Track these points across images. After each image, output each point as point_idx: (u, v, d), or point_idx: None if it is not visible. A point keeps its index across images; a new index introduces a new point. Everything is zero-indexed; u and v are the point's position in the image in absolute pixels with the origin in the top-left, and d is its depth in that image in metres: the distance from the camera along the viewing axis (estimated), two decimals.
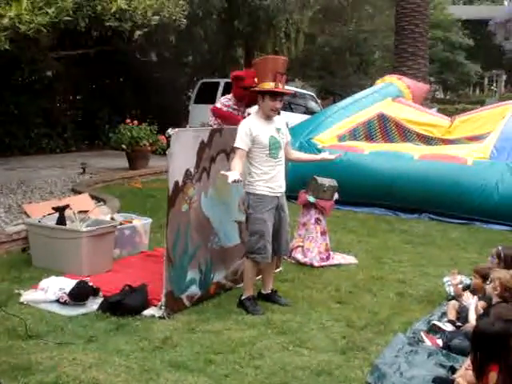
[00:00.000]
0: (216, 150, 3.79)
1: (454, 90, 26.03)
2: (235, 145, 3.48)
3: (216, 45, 13.78)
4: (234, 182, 3.22)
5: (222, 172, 3.35)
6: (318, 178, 4.92)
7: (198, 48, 13.67)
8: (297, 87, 15.68)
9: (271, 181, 3.59)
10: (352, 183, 7.00)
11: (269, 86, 3.58)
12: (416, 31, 12.83)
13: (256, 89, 3.61)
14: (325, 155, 3.97)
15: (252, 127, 3.51)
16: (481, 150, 7.08)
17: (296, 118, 10.91)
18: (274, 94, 3.52)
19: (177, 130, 3.48)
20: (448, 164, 6.87)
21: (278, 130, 3.65)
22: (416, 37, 12.93)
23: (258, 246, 3.59)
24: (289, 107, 12.73)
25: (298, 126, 8.46)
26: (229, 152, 3.82)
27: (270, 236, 3.57)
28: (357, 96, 9.60)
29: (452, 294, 3.72)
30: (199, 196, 3.70)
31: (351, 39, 22.21)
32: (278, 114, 3.65)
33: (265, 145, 3.54)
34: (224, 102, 4.26)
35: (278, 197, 3.65)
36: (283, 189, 3.70)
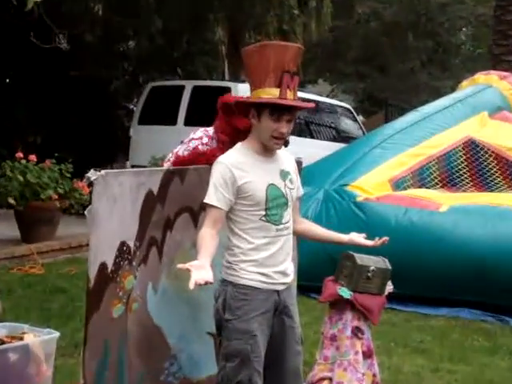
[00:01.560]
0: (174, 206, 3.52)
1: None
2: (206, 200, 3.15)
3: (178, 20, 11.91)
4: (202, 284, 2.89)
5: (180, 265, 2.99)
6: (356, 255, 4.36)
7: (144, 25, 11.82)
8: (320, 94, 14.35)
9: (268, 263, 3.20)
10: (419, 264, 6.36)
11: (269, 94, 3.15)
12: None
13: (246, 99, 3.29)
14: (355, 237, 3.55)
15: (236, 169, 3.17)
16: None
17: (318, 149, 9.63)
18: (279, 109, 3.14)
19: (104, 172, 3.10)
20: None
21: (285, 174, 3.29)
22: None
23: (238, 379, 3.16)
24: (305, 130, 11.23)
25: (321, 164, 7.69)
26: (197, 211, 3.59)
27: (261, 362, 3.20)
28: (427, 109, 8.66)
29: None
30: (144, 290, 3.40)
31: (418, 8, 19.73)
32: (285, 144, 3.27)
33: (259, 200, 3.17)
34: (203, 139, 3.58)
35: (278, 291, 3.26)
36: (290, 277, 3.33)
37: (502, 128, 8.44)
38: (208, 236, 3.12)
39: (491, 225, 6.43)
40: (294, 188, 3.35)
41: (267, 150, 3.26)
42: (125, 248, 3.24)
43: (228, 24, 12.04)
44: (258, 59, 3.22)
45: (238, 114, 3.45)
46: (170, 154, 3.79)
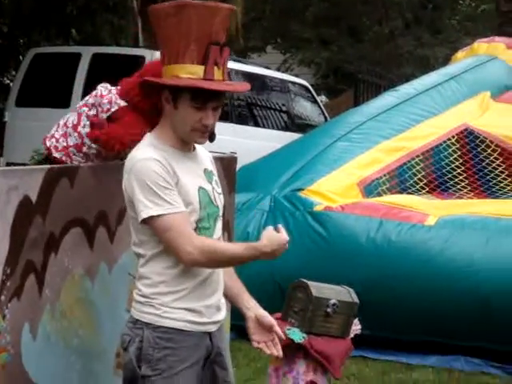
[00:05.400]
0: (61, 219, 3.53)
1: None
2: (158, 211, 3.14)
3: None
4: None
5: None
6: (311, 283, 4.44)
7: None
8: (268, 67, 14.38)
9: (197, 295, 3.26)
10: (397, 296, 6.43)
11: (190, 72, 3.23)
12: None
13: (156, 80, 3.36)
14: (265, 318, 3.47)
15: (170, 166, 3.22)
16: None
17: (263, 142, 10.10)
18: (204, 95, 3.22)
19: None
20: None
21: (209, 175, 3.43)
22: None
23: None
24: (246, 115, 11.48)
25: (267, 162, 7.83)
26: (93, 225, 3.63)
27: None
28: (410, 88, 8.86)
29: None
30: (17, 335, 3.37)
31: None
32: (211, 138, 3.37)
33: (192, 208, 3.27)
34: (87, 111, 3.81)
35: (210, 333, 3.35)
36: (223, 312, 3.42)
37: (510, 113, 8.66)
38: (216, 241, 3.24)
39: (494, 244, 6.51)
40: (221, 193, 3.44)
41: (186, 144, 3.34)
42: None
43: None
44: (175, 25, 3.27)
45: (142, 95, 3.52)
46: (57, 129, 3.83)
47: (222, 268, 3.39)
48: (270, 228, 3.28)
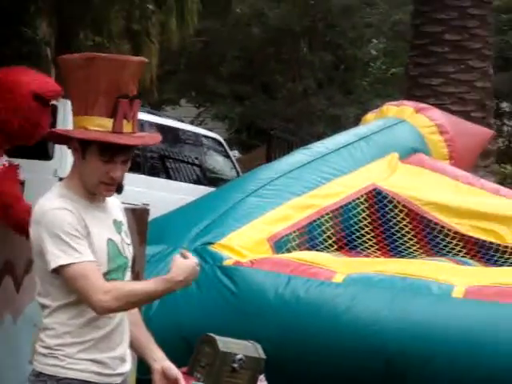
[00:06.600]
0: None
1: None
2: (66, 260, 3.07)
3: None
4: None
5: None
6: (218, 338, 4.34)
7: None
8: (181, 120, 14.46)
9: (102, 346, 3.20)
10: (304, 353, 6.37)
11: (99, 125, 3.18)
12: None
13: (66, 132, 3.36)
14: (171, 371, 3.48)
15: (79, 215, 3.18)
16: None
17: (174, 194, 10.11)
18: (112, 148, 3.19)
19: None
20: None
21: (119, 225, 3.38)
22: (467, 7, 11.79)
23: None
24: (158, 167, 11.58)
25: (177, 215, 7.80)
26: (20, 272, 3.65)
27: None
28: (321, 147, 8.94)
29: None
30: None
31: (314, 10, 20.06)
32: (118, 190, 3.34)
33: (101, 261, 3.19)
34: None
35: None
36: (128, 364, 3.34)
37: (417, 175, 8.83)
38: (127, 283, 3.18)
39: (399, 303, 6.53)
40: (130, 244, 3.40)
41: (95, 195, 3.29)
42: None
43: (56, 18, 12.00)
44: (84, 77, 3.24)
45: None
46: None
47: (137, 307, 3.32)
48: (177, 256, 3.23)
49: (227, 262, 6.90)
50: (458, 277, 6.94)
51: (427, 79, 12.14)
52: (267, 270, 6.84)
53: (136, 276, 4.18)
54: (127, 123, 3.25)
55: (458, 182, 8.92)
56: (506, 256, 8.14)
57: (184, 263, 3.22)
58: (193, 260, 3.24)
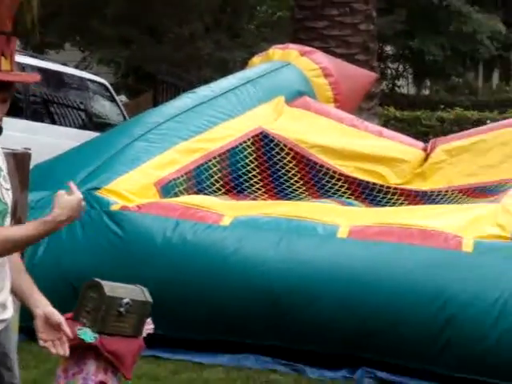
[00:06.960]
0: None
1: (441, 74, 25.78)
2: None
3: None
4: None
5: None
6: (104, 283, 4.41)
7: None
8: (66, 64, 14.07)
9: None
10: (191, 296, 6.49)
11: None
12: None
13: None
14: (53, 315, 3.31)
15: None
16: (493, 217, 6.89)
17: (59, 139, 9.98)
18: None
19: None
20: (417, 249, 6.54)
21: None
22: None
23: None
24: (41, 112, 11.31)
25: (62, 160, 7.75)
26: None
27: None
28: (207, 91, 8.94)
29: None
30: None
31: None
32: None
33: None
34: None
35: None
36: (10, 310, 3.29)
37: (303, 118, 8.93)
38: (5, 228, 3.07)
39: (286, 244, 6.66)
40: (10, 189, 3.33)
41: None
42: None
43: None
44: None
45: None
46: None
47: (17, 251, 3.25)
48: (61, 192, 3.15)
49: (114, 207, 6.90)
50: (343, 217, 7.09)
51: (312, 22, 12.16)
52: (154, 214, 6.88)
53: (18, 221, 4.05)
54: (5, 60, 3.15)
55: (343, 124, 9.05)
56: (389, 196, 8.37)
57: (67, 200, 3.15)
58: (77, 195, 3.16)
